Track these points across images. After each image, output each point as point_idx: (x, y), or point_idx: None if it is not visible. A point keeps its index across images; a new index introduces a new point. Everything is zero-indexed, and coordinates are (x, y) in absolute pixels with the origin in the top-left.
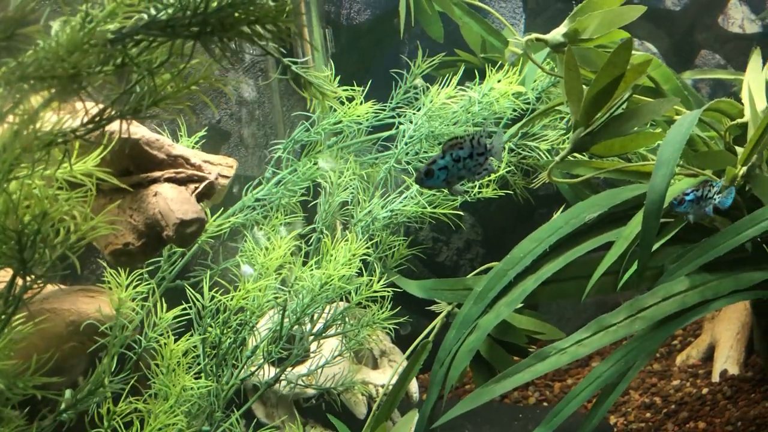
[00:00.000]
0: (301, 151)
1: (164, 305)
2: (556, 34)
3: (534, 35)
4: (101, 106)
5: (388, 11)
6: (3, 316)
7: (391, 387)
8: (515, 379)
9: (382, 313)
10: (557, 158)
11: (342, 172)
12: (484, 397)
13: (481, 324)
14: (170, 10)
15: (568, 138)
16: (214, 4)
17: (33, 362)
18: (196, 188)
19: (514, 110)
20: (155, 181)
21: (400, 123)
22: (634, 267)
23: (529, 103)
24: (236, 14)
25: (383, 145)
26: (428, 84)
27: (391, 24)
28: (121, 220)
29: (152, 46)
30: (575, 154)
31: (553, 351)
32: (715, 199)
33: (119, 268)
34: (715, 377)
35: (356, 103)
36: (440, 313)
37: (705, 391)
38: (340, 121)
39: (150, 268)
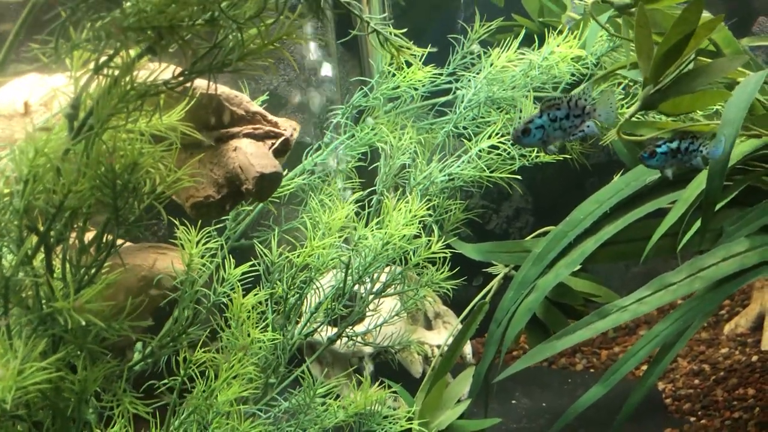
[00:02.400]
0: (359, 117)
1: (232, 262)
2: None
3: None
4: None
5: None
6: (96, 262)
7: (447, 347)
8: (576, 335)
9: (440, 274)
10: (627, 115)
11: (401, 137)
12: (546, 352)
13: (539, 285)
14: None
15: (627, 103)
16: None
17: (128, 305)
18: (273, 144)
19: (572, 74)
20: (234, 136)
21: (457, 88)
22: (694, 228)
23: (587, 68)
24: None
25: (439, 111)
26: (484, 49)
27: None
28: (202, 174)
29: (240, 2)
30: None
31: (614, 309)
32: (701, 151)
33: (188, 226)
34: (765, 345)
35: (415, 69)
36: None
37: (755, 358)
38: (398, 87)
39: (217, 226)
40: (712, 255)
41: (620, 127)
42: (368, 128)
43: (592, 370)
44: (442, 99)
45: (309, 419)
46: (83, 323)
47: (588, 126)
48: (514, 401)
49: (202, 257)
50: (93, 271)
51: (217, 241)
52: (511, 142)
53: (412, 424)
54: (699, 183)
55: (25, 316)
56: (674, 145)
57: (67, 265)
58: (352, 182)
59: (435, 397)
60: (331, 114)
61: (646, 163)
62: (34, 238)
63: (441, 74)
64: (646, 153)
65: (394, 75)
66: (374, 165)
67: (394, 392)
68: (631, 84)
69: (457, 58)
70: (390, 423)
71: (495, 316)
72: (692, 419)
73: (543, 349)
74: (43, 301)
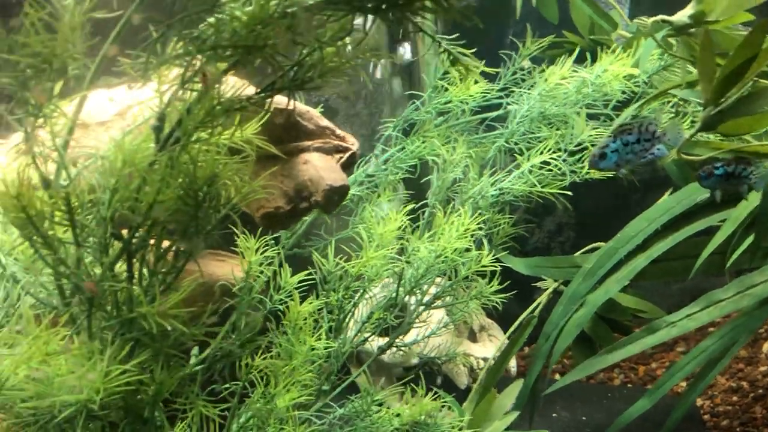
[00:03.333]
0: (409, 130)
1: (288, 270)
2: (682, 15)
3: (660, 17)
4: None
5: None
6: (174, 269)
7: (494, 360)
8: (626, 350)
9: (489, 287)
10: (688, 136)
11: (452, 150)
12: (596, 366)
13: (589, 300)
14: None
15: (665, 123)
16: None
17: (208, 311)
18: (341, 158)
19: (623, 92)
20: (304, 149)
21: (508, 103)
22: (743, 246)
23: (638, 86)
24: None
25: (488, 125)
26: (534, 65)
27: (497, 4)
28: (273, 185)
29: (327, 20)
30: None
31: (663, 324)
32: (750, 179)
33: (246, 234)
34: None
35: (468, 84)
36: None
37: None
38: (450, 101)
39: (274, 236)
40: (761, 273)
41: (681, 146)
42: (419, 141)
43: (629, 385)
44: (494, 114)
45: (364, 426)
46: (168, 328)
47: (658, 149)
48: (554, 414)
49: (260, 265)
50: (171, 277)
51: (275, 250)
52: (589, 166)
53: None
54: (749, 203)
55: (108, 320)
56: (731, 168)
57: (144, 272)
58: (400, 194)
59: (484, 409)
60: (382, 127)
61: (702, 183)
62: (117, 245)
63: (492, 89)
64: (704, 173)
65: (446, 90)
66: (425, 178)
67: (445, 403)
68: (680, 103)
69: (508, 73)
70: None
71: (544, 330)
72: None
73: (594, 362)
74: (123, 307)
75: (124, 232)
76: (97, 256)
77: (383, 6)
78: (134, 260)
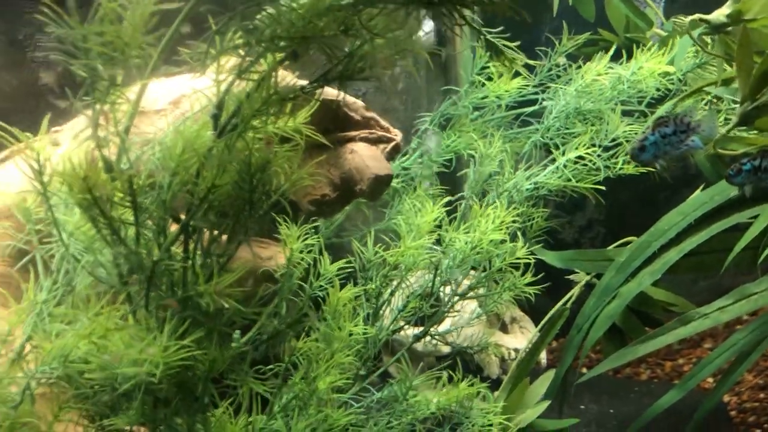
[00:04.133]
0: (446, 124)
1: (328, 258)
2: (719, 14)
3: (698, 16)
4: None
5: None
6: (227, 251)
7: (526, 350)
8: (658, 341)
9: (523, 279)
10: (724, 131)
11: (490, 144)
12: (629, 356)
13: (622, 292)
14: None
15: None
16: None
17: (260, 291)
18: (385, 148)
19: (657, 89)
20: (351, 139)
21: (543, 99)
22: None
23: (673, 83)
24: None
25: (523, 120)
26: (570, 62)
27: (535, 0)
28: (320, 173)
29: (378, 13)
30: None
31: (696, 316)
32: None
33: (288, 223)
34: None
35: (506, 79)
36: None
37: None
38: (486, 96)
39: (314, 224)
40: None
41: (716, 141)
42: (454, 135)
43: (656, 380)
44: (530, 109)
45: (402, 409)
46: (226, 306)
47: (693, 140)
48: (582, 406)
49: (301, 252)
50: (224, 259)
51: (316, 238)
52: (630, 158)
53: (498, 417)
54: None
55: (165, 298)
56: (757, 162)
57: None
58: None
59: (517, 397)
60: (418, 121)
61: (731, 180)
62: (174, 228)
63: (528, 85)
64: (732, 171)
65: (483, 85)
66: (459, 173)
67: (479, 389)
68: (714, 101)
69: (544, 69)
70: (479, 417)
71: (576, 321)
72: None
73: (627, 352)
74: (178, 286)
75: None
76: (155, 237)
77: (435, 0)
78: (190, 241)
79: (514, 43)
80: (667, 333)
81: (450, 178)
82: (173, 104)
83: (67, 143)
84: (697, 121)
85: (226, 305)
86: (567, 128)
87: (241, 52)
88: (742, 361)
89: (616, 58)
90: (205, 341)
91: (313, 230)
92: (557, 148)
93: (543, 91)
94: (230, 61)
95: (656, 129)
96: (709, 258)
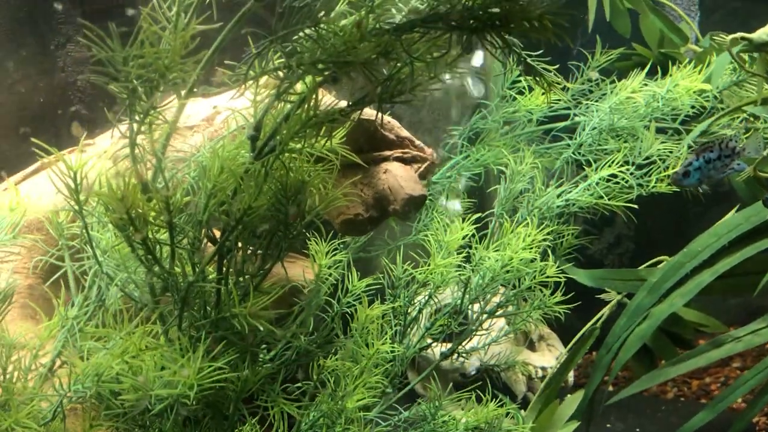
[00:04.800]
0: (475, 138)
1: (356, 274)
2: (762, 33)
3: (739, 34)
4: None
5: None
6: (262, 272)
7: (555, 369)
8: (691, 363)
9: (553, 298)
10: (764, 153)
11: (522, 160)
12: (660, 378)
13: (653, 313)
14: (443, 6)
15: (745, 137)
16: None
17: (294, 314)
18: (419, 168)
19: (692, 107)
20: (385, 159)
21: (575, 114)
22: None
23: (709, 101)
24: (512, 11)
25: (554, 135)
26: (603, 77)
27: (568, 14)
28: (354, 193)
29: (420, 39)
30: None
31: (728, 339)
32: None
33: (317, 238)
34: None
35: (537, 94)
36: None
37: None
38: (517, 111)
39: (343, 240)
40: None
41: (757, 164)
42: (484, 150)
43: (683, 399)
44: (561, 124)
45: (430, 429)
46: (260, 328)
47: (738, 164)
48: (609, 425)
49: (329, 268)
50: (257, 279)
51: (344, 254)
52: (671, 184)
53: None
54: None
55: (198, 319)
56: (707, 156)
57: (231, 273)
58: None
59: (546, 417)
60: (447, 135)
61: (681, 184)
62: (209, 248)
63: (560, 100)
64: (679, 174)
65: (514, 99)
66: (490, 188)
67: (509, 410)
68: (750, 119)
69: (576, 84)
70: None
71: (606, 341)
72: None
73: (658, 374)
74: (211, 306)
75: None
76: (190, 257)
77: (479, 26)
78: (224, 262)
79: (547, 58)
80: (698, 355)
81: (479, 194)
82: (207, 121)
83: (98, 155)
84: (743, 145)
85: (260, 327)
86: (600, 144)
87: (281, 74)
88: None
89: (649, 73)
90: (237, 361)
91: (342, 245)
92: (589, 164)
93: (575, 106)
94: (268, 82)
95: (701, 154)
96: (742, 280)
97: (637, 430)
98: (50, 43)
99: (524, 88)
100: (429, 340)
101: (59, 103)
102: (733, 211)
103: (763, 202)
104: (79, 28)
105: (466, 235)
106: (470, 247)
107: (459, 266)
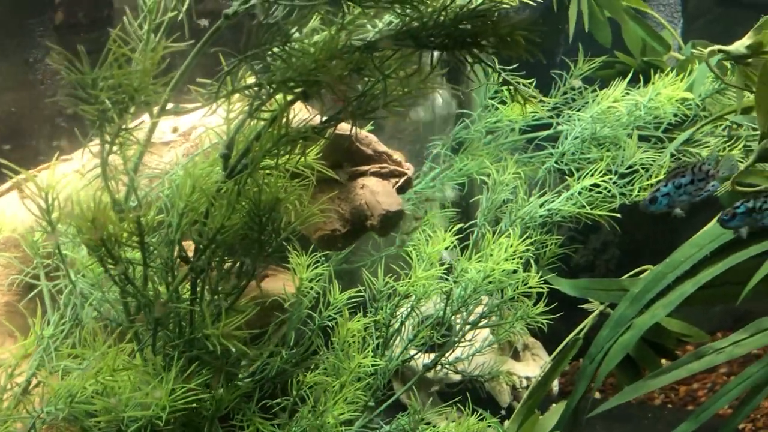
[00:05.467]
0: (458, 148)
1: (337, 287)
2: (740, 45)
3: (717, 47)
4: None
5: (545, 11)
6: (236, 290)
7: (537, 380)
8: (671, 375)
9: (536, 308)
10: (742, 167)
11: (504, 170)
12: (640, 390)
13: (636, 324)
14: (415, 23)
15: (728, 146)
16: (452, 18)
17: (269, 332)
18: (397, 182)
19: (675, 115)
20: (362, 174)
21: (557, 123)
22: None
23: (691, 109)
24: (479, 29)
25: (537, 144)
26: (586, 85)
27: (547, 23)
28: (331, 209)
29: (392, 56)
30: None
31: (709, 350)
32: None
33: (298, 251)
34: None
35: (518, 105)
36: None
37: None
38: (499, 120)
39: (322, 252)
40: None
41: (735, 177)
42: (467, 159)
43: (669, 406)
44: (544, 133)
45: None
46: (232, 349)
47: (713, 185)
48: None
49: (311, 281)
50: (232, 298)
51: (325, 267)
52: (640, 208)
53: None
54: None
55: (172, 339)
56: (751, 204)
57: (206, 291)
58: (450, 211)
59: (527, 429)
60: (431, 144)
61: (726, 225)
62: (182, 267)
63: (543, 109)
64: (726, 216)
65: (497, 109)
66: (473, 198)
67: (489, 424)
68: (733, 126)
69: (559, 93)
70: None
71: (589, 352)
72: None
73: (639, 387)
74: (186, 326)
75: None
76: (163, 276)
77: (449, 43)
78: (198, 281)
79: (526, 67)
80: (680, 367)
81: (463, 204)
82: (183, 136)
83: (74, 172)
84: (717, 166)
85: (233, 348)
86: (582, 153)
87: (252, 92)
88: (758, 391)
89: (632, 81)
90: (211, 381)
91: (323, 257)
92: (572, 174)
93: (558, 115)
94: (241, 100)
95: (671, 180)
96: (724, 290)
97: None
98: (29, 56)
99: (506, 97)
100: (412, 352)
101: (39, 116)
102: (714, 220)
103: (720, 224)
104: (57, 40)
105: (448, 246)
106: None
107: (441, 278)
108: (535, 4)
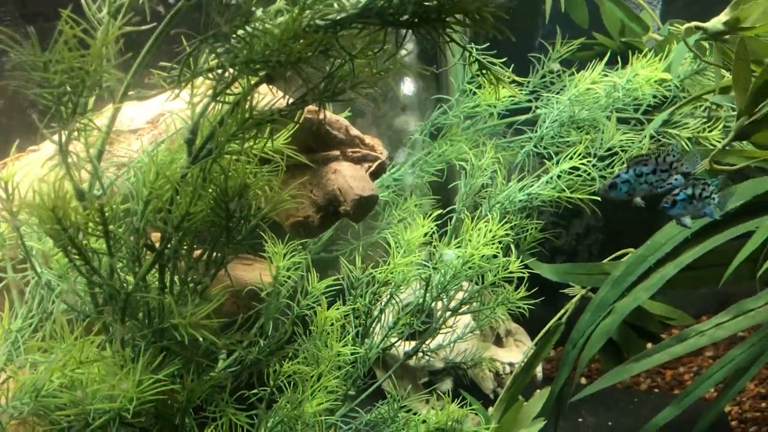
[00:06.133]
0: (437, 133)
1: (315, 275)
2: (717, 22)
3: (694, 23)
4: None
5: None
6: (205, 278)
7: (521, 366)
8: (654, 359)
9: (517, 293)
10: (720, 146)
11: (483, 155)
12: (622, 374)
13: (617, 308)
14: (380, 1)
15: (707, 127)
16: None
17: (239, 321)
18: (370, 167)
19: (654, 96)
20: (334, 158)
21: (536, 107)
22: None
23: (670, 90)
24: (445, 5)
25: (516, 129)
26: (564, 68)
27: (526, 6)
28: (303, 195)
29: (357, 34)
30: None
31: (692, 333)
32: (714, 199)
33: (274, 239)
34: None
35: (496, 88)
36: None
37: None
38: (478, 105)
39: (299, 241)
40: None
41: (713, 156)
42: (446, 145)
43: (656, 390)
44: (523, 117)
45: (391, 431)
46: (199, 338)
47: (676, 179)
48: (580, 419)
49: (288, 270)
50: (201, 287)
51: (302, 255)
52: (599, 194)
53: None
54: None
55: (140, 329)
56: (691, 191)
57: (176, 280)
58: (428, 198)
59: (511, 417)
60: (410, 131)
61: (669, 212)
62: (149, 256)
63: (521, 92)
64: (666, 203)
65: (474, 93)
66: (452, 183)
67: (473, 409)
68: (713, 107)
69: (537, 76)
70: None
71: (571, 337)
72: None
73: (621, 371)
74: (155, 316)
75: (154, 236)
76: (130, 265)
77: (415, 21)
78: (166, 269)
79: (504, 50)
80: (662, 351)
81: (443, 190)
82: (151, 124)
83: (39, 163)
84: (681, 159)
85: (200, 338)
86: (561, 137)
87: (215, 74)
88: (741, 374)
89: (611, 63)
90: (182, 372)
91: (301, 246)
92: (551, 157)
93: (536, 99)
94: (205, 84)
95: (633, 167)
96: (706, 272)
97: (609, 423)
98: None
99: (484, 83)
100: (393, 339)
101: (6, 108)
102: None
103: (663, 211)
104: (23, 31)
105: (427, 232)
106: (431, 244)
107: (420, 264)
108: None
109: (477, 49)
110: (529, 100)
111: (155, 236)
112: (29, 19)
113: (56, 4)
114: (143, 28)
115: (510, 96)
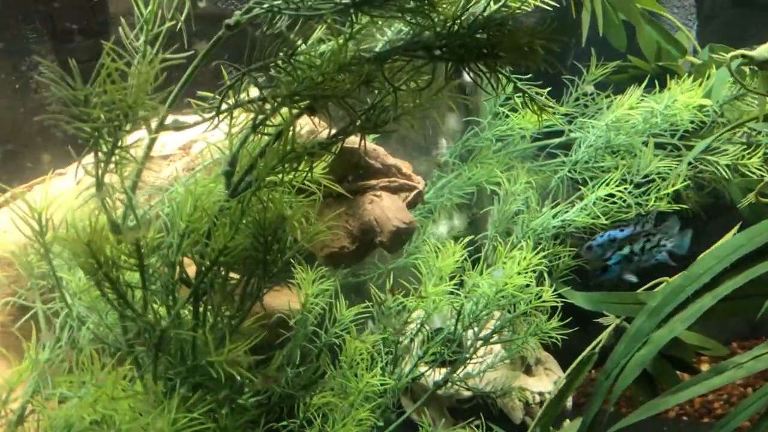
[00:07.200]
0: (467, 156)
1: (344, 302)
2: (764, 50)
3: (740, 51)
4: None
5: (554, 14)
6: (240, 312)
7: (551, 395)
8: (691, 391)
9: (549, 323)
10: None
11: (516, 179)
12: (659, 407)
13: (653, 338)
14: (427, 33)
15: (747, 153)
16: (466, 27)
17: (277, 357)
18: (407, 197)
19: (692, 122)
20: (371, 188)
21: (570, 131)
22: None
23: (708, 116)
24: (494, 40)
25: (549, 152)
26: (598, 91)
27: (560, 27)
28: (339, 226)
29: (403, 67)
30: None
31: (730, 366)
32: (664, 245)
33: (303, 266)
34: None
35: (529, 113)
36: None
37: None
38: (511, 128)
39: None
40: None
41: (759, 188)
42: (476, 168)
43: (685, 418)
44: (556, 140)
45: None
46: (237, 376)
47: (662, 255)
48: None
49: (317, 296)
50: (236, 321)
51: (331, 282)
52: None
53: None
54: None
55: (174, 366)
56: (628, 249)
57: (209, 315)
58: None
59: None
60: (438, 153)
61: (603, 278)
62: (184, 290)
63: (555, 116)
64: (598, 271)
65: (507, 116)
66: (482, 210)
67: None
68: (752, 133)
69: (571, 99)
70: None
71: (605, 367)
72: None
73: (657, 404)
74: (188, 351)
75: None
76: (163, 298)
77: (465, 55)
78: (200, 304)
79: (537, 72)
80: (699, 383)
81: (470, 215)
82: (183, 150)
83: (68, 191)
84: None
85: (237, 376)
86: (596, 162)
87: (256, 106)
88: None
89: (647, 86)
90: (216, 408)
91: (328, 272)
92: (586, 183)
93: (570, 122)
94: (243, 112)
95: (616, 251)
96: (744, 303)
97: None
98: (22, 64)
99: (517, 105)
100: (422, 369)
101: (33, 126)
102: (733, 231)
103: (597, 277)
104: (51, 47)
105: (459, 259)
106: (463, 271)
107: (451, 293)
108: (550, 8)
109: (520, 79)
110: (563, 124)
111: (186, 265)
112: (56, 37)
113: (83, 22)
114: (183, 55)
115: (542, 122)
